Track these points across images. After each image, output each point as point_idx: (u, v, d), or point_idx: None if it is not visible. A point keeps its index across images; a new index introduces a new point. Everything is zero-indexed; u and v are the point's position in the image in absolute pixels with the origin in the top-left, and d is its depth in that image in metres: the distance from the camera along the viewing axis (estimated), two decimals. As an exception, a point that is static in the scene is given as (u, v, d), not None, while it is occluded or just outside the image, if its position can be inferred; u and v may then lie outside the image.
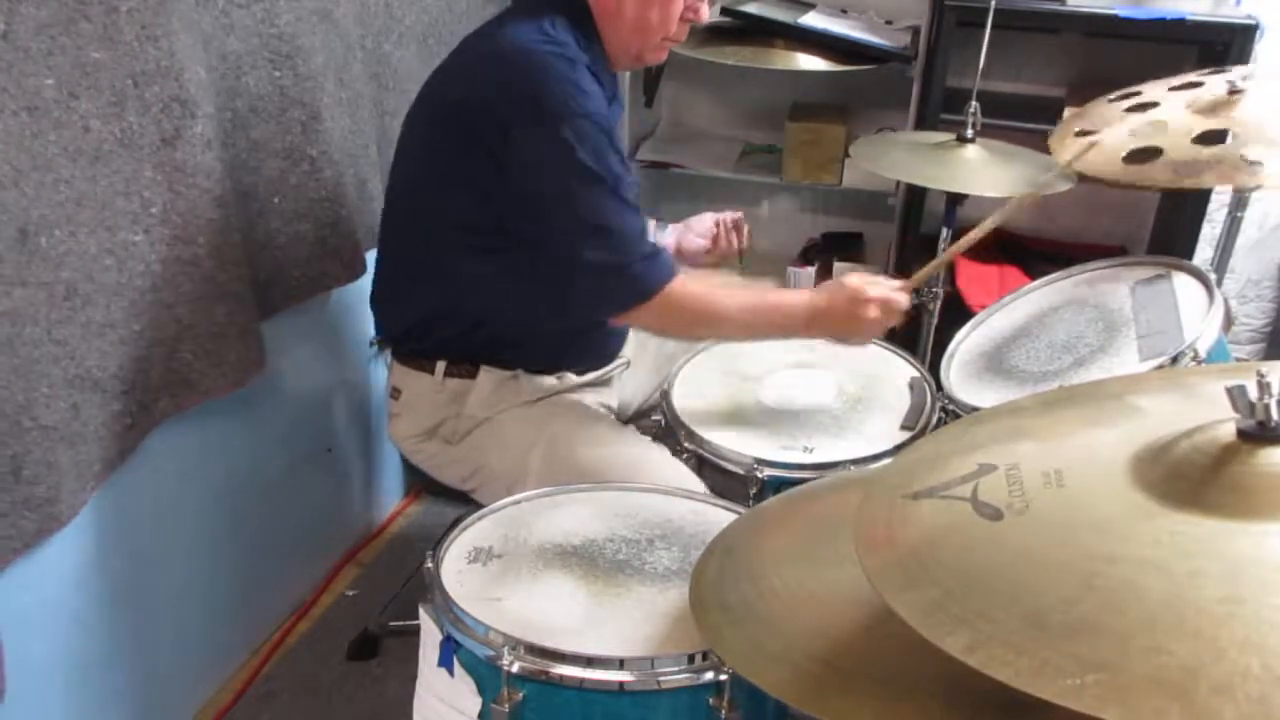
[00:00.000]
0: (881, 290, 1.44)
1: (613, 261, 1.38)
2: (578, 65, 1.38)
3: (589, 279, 1.40)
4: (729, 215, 1.84)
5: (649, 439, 1.53)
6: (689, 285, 1.43)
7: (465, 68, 1.47)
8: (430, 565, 1.13)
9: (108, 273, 1.35)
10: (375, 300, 1.65)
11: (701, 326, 1.51)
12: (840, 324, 1.46)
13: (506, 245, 1.44)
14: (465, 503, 1.55)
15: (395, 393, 1.59)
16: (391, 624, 1.95)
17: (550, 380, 1.57)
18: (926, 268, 1.53)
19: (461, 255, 1.48)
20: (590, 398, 1.61)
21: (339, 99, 1.74)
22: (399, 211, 1.57)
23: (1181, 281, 1.51)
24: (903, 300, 1.46)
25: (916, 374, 1.64)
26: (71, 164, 1.27)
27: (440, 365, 1.53)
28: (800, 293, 1.49)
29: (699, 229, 1.83)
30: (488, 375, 1.53)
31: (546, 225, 1.40)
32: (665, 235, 1.83)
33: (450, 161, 1.43)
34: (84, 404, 1.35)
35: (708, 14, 1.50)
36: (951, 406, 1.51)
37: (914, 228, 2.43)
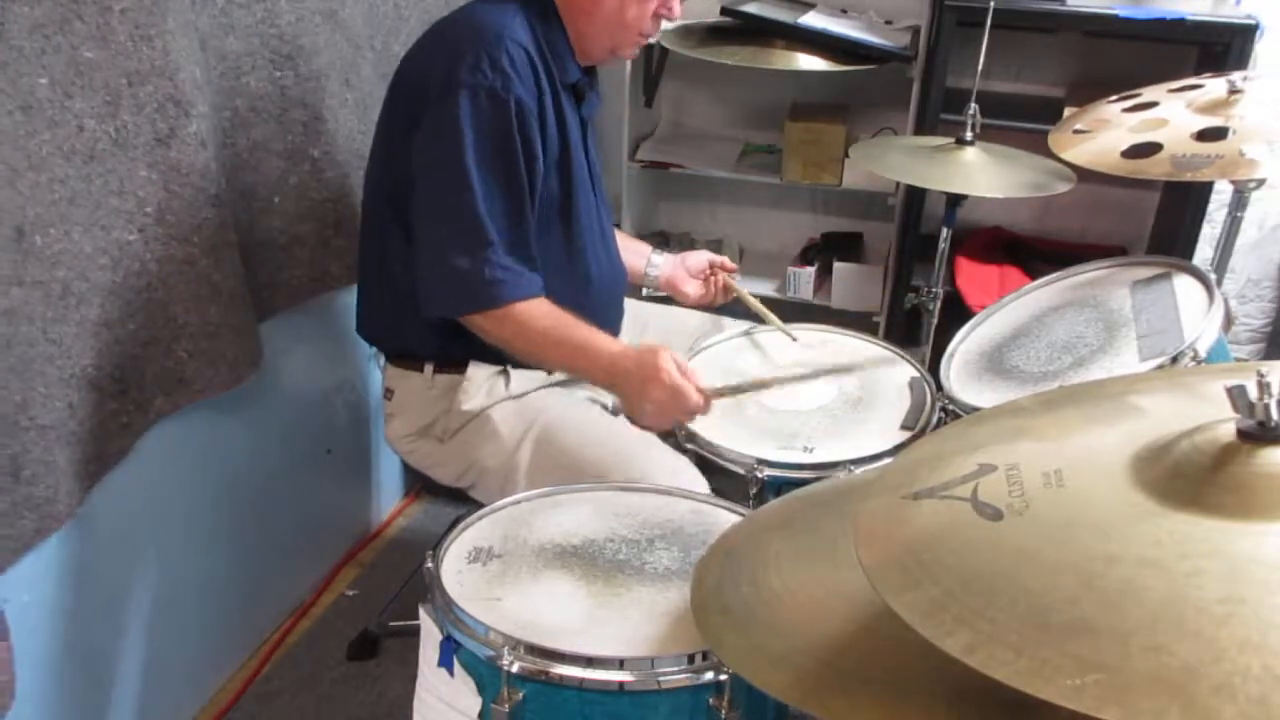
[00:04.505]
0: (678, 380, 1.37)
1: (464, 262, 1.36)
2: (516, 47, 1.35)
3: (435, 272, 1.39)
4: (723, 261, 1.79)
5: (638, 429, 1.52)
6: (531, 311, 1.40)
7: (415, 46, 1.47)
8: (430, 565, 1.13)
9: (103, 271, 1.35)
10: (357, 299, 1.64)
11: (520, 353, 1.46)
12: (631, 388, 1.40)
13: None
14: (465, 503, 1.55)
15: (389, 394, 1.59)
16: (391, 624, 1.96)
17: (540, 375, 1.56)
18: (737, 388, 1.42)
19: (407, 247, 1.45)
20: (582, 394, 1.61)
21: (345, 100, 1.74)
22: (366, 203, 1.56)
23: (1181, 281, 1.51)
24: (694, 399, 1.38)
25: (916, 374, 1.64)
26: (66, 163, 1.27)
27: (430, 364, 1.53)
28: (615, 345, 1.43)
29: (692, 266, 1.79)
30: (477, 370, 1.52)
31: (420, 205, 1.39)
32: (657, 267, 1.80)
33: (392, 141, 1.43)
34: (79, 403, 1.35)
35: (680, 10, 1.48)
36: (951, 406, 1.50)
37: (914, 228, 2.43)
